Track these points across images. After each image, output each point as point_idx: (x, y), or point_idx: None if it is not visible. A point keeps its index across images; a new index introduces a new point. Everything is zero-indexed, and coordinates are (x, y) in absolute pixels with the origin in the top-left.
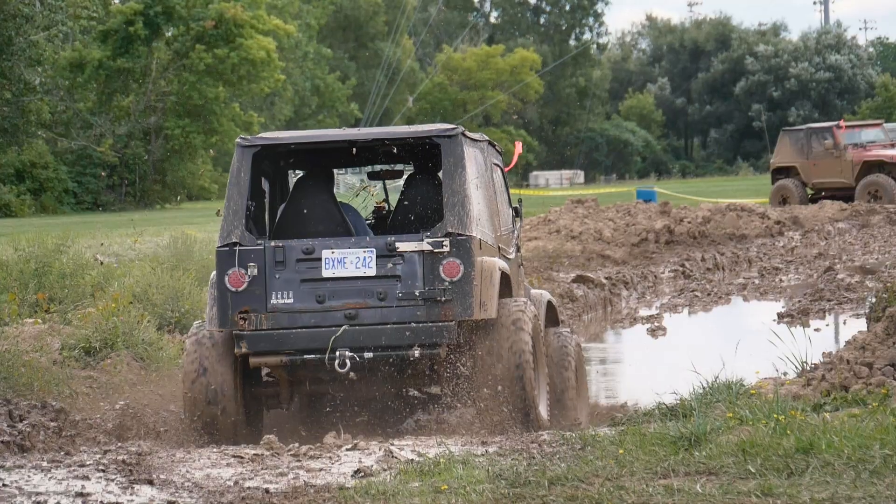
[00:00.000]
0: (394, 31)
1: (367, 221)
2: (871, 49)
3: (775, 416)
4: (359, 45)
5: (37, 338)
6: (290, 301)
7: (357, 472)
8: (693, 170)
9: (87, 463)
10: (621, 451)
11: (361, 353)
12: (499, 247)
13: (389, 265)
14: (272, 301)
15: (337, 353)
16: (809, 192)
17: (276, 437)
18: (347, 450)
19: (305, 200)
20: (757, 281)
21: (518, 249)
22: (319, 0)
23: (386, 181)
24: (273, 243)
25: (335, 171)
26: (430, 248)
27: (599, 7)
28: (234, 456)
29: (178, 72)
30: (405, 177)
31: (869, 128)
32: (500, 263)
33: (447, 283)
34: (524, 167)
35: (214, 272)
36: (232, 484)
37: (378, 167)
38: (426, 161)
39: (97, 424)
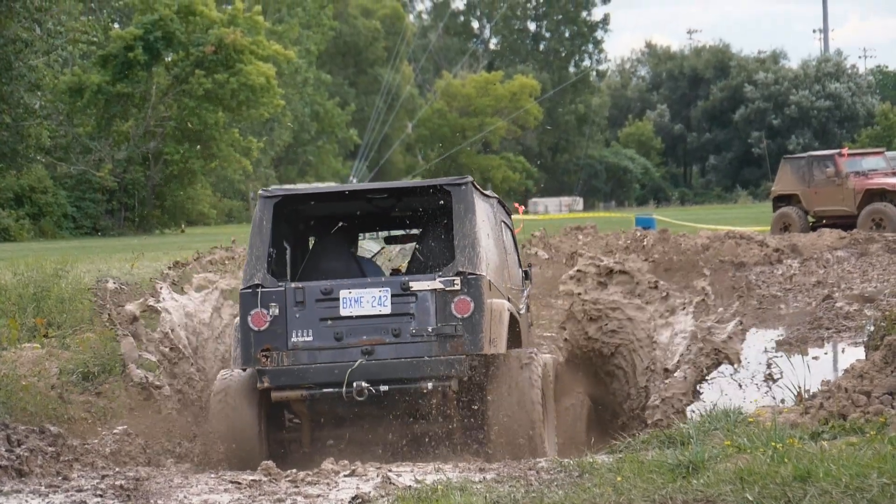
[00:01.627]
0: (393, 58)
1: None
2: (870, 77)
3: (773, 444)
4: (358, 71)
5: (35, 362)
6: (310, 339)
7: (355, 498)
8: (692, 197)
9: (85, 488)
10: (619, 479)
11: (377, 385)
12: (508, 298)
13: (403, 303)
14: (293, 339)
15: (354, 385)
16: (811, 220)
17: (273, 462)
18: (345, 476)
19: (325, 255)
20: (755, 303)
21: (528, 309)
22: (319, 26)
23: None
24: (293, 285)
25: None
26: (441, 286)
27: (599, 34)
28: (231, 482)
29: (177, 97)
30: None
31: (870, 156)
32: (509, 305)
33: (458, 320)
34: (524, 193)
35: (238, 316)
36: None
37: (395, 232)
38: (438, 220)
39: (95, 449)
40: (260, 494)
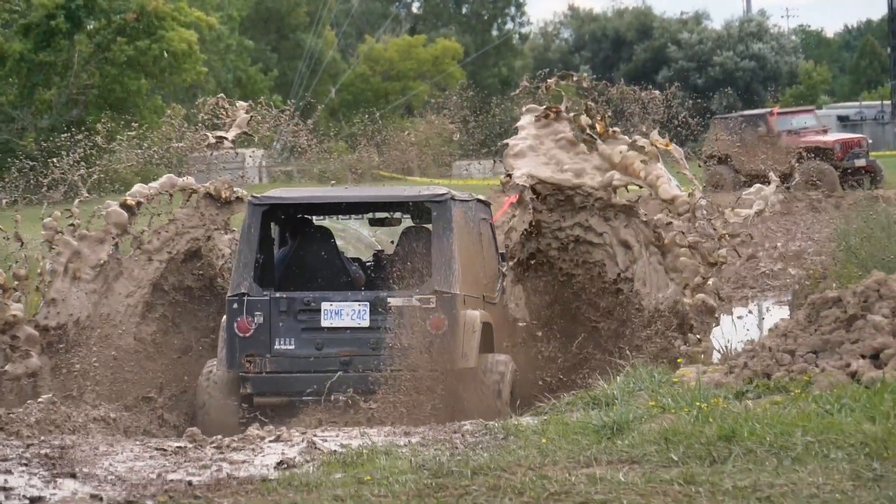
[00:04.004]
0: (316, 23)
1: (368, 262)
2: (793, 37)
3: (697, 404)
4: (280, 37)
5: None
6: (292, 347)
7: (280, 463)
8: None
9: (10, 457)
10: (544, 441)
11: (353, 396)
12: (483, 295)
13: (381, 318)
14: (276, 346)
15: (332, 397)
16: (742, 179)
17: (199, 429)
18: (270, 441)
19: (311, 253)
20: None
21: (504, 291)
22: None
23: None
24: (278, 294)
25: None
26: (418, 304)
27: None
28: (157, 449)
29: (100, 65)
30: (402, 228)
31: (801, 114)
32: (482, 315)
33: (433, 336)
34: (449, 156)
35: (225, 317)
36: (155, 476)
37: (379, 215)
38: (421, 214)
39: (20, 419)
40: (185, 461)
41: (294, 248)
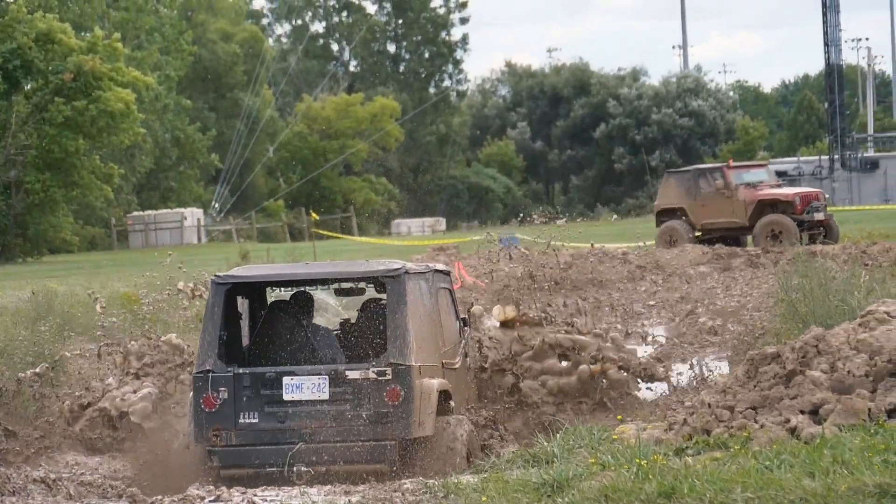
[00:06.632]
0: (253, 81)
1: (335, 331)
2: (731, 93)
3: (637, 460)
4: (218, 96)
5: None
6: (256, 421)
7: None
8: (555, 215)
9: None
10: (484, 499)
11: (315, 467)
12: (442, 363)
13: (340, 391)
14: (240, 420)
15: (294, 469)
16: (697, 233)
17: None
18: (210, 501)
19: (277, 325)
20: (619, 326)
21: (465, 356)
22: (179, 51)
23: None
24: (241, 370)
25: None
26: (375, 376)
27: (458, 54)
28: None
29: (37, 125)
30: (363, 299)
31: (755, 168)
32: (438, 384)
33: (389, 407)
34: (386, 215)
35: (192, 393)
36: None
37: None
38: (381, 285)
39: None
40: None
41: (261, 321)
